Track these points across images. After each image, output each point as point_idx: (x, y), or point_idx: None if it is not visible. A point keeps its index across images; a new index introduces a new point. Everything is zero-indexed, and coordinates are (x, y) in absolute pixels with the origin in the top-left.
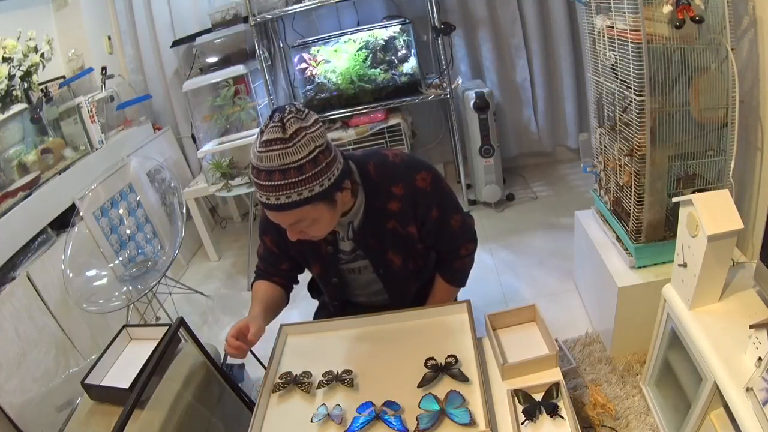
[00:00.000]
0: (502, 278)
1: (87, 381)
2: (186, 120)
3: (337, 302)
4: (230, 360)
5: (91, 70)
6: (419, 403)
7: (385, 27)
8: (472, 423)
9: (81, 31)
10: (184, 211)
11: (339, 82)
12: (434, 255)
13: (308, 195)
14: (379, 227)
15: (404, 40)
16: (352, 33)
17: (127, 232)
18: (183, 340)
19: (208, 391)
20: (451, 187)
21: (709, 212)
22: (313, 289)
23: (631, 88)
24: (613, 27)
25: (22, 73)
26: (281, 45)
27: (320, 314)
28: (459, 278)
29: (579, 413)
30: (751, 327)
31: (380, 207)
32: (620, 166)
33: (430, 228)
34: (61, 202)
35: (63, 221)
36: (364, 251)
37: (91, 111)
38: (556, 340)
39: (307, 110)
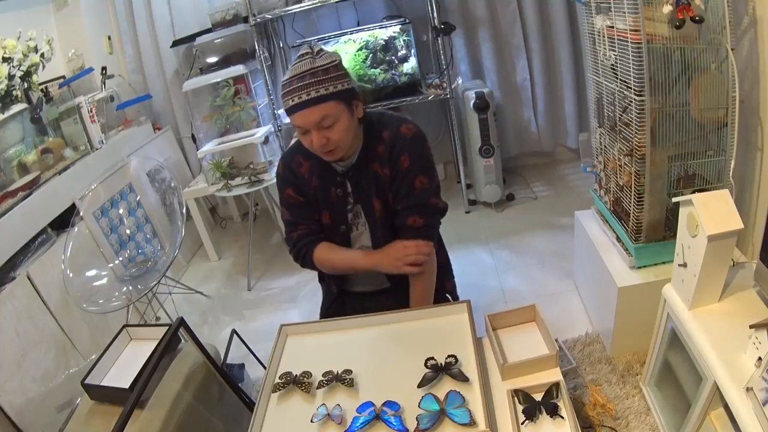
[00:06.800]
0: (502, 278)
1: (87, 381)
2: (186, 120)
3: None
4: (230, 360)
5: (91, 70)
6: (419, 403)
7: (385, 27)
8: (472, 423)
9: (81, 31)
10: (184, 211)
11: None
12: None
13: (333, 90)
14: (368, 168)
15: (404, 40)
16: (352, 33)
17: (127, 232)
18: (183, 340)
19: (208, 391)
20: (431, 155)
21: (709, 212)
22: (321, 278)
23: (631, 88)
24: (613, 27)
25: (22, 73)
26: (281, 45)
27: (326, 300)
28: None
29: (579, 413)
30: (751, 327)
31: (371, 149)
32: (620, 166)
33: (397, 174)
34: (61, 202)
35: (63, 221)
36: (356, 192)
37: (91, 111)
38: (556, 340)
39: None
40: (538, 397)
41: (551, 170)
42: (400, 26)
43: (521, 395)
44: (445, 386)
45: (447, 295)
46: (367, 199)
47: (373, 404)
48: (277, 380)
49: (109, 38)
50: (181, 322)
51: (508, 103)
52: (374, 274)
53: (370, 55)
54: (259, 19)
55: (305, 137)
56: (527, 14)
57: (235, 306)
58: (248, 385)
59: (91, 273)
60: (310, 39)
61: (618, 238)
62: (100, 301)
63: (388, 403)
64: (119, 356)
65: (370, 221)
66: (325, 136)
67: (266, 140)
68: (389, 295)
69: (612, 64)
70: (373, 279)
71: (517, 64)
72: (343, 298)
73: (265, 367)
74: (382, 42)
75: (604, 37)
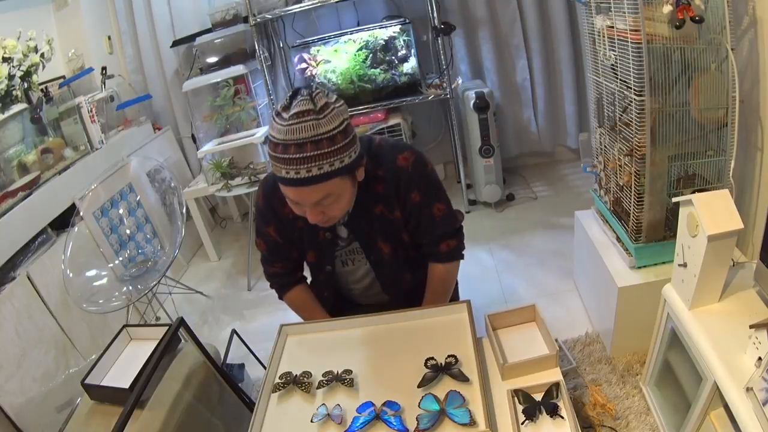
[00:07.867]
0: (502, 278)
1: (87, 381)
2: (186, 120)
3: (327, 292)
4: (230, 360)
5: (91, 70)
6: (419, 403)
7: (385, 27)
8: (472, 423)
9: (81, 31)
10: (184, 211)
11: (339, 82)
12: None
13: (339, 166)
14: (368, 211)
15: (404, 40)
16: (352, 33)
17: (127, 232)
18: (183, 340)
19: (208, 391)
20: (437, 175)
21: (709, 212)
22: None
23: (631, 88)
24: (613, 27)
25: (22, 73)
26: (281, 45)
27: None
28: (452, 254)
29: (579, 413)
30: (751, 327)
31: (368, 190)
32: (620, 166)
33: (411, 211)
34: (61, 202)
35: (63, 221)
36: (357, 236)
37: (91, 111)
38: (556, 340)
39: (326, 89)
40: (538, 397)
41: (551, 170)
42: (400, 26)
43: (521, 395)
44: (445, 386)
45: None
46: (370, 242)
47: (373, 404)
48: (277, 380)
49: (109, 38)
50: (181, 322)
51: (508, 103)
52: (373, 291)
53: (370, 55)
54: (259, 19)
55: (297, 207)
56: (527, 14)
57: (235, 306)
58: (248, 385)
59: (91, 273)
60: (309, 39)
61: (618, 238)
62: (100, 301)
63: (388, 403)
64: (119, 356)
65: (375, 264)
66: (322, 211)
67: (266, 140)
68: (390, 307)
69: (612, 64)
70: (373, 296)
71: (517, 64)
72: (342, 307)
73: (265, 367)
74: (382, 42)
75: (604, 37)
